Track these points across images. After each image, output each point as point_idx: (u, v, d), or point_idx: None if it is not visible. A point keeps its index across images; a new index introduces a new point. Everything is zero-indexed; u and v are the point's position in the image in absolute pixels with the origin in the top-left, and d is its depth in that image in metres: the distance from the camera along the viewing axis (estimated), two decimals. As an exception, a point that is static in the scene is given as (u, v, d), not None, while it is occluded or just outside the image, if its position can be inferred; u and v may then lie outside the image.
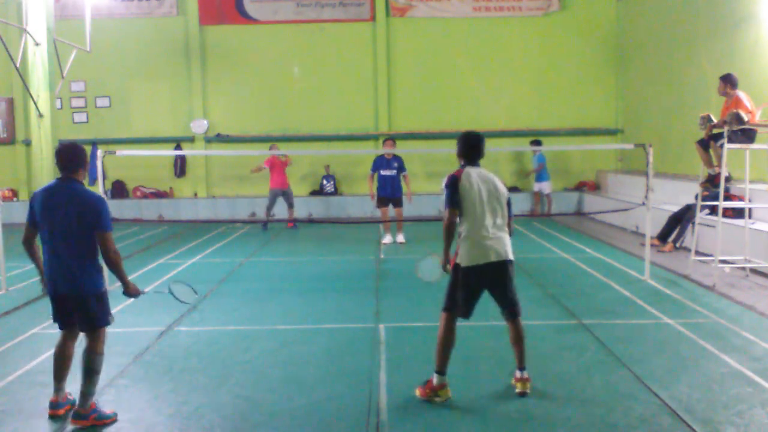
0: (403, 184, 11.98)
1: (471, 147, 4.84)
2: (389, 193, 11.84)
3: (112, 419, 4.36)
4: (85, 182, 4.56)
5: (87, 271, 4.38)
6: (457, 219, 4.70)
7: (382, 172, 11.87)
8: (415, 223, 13.74)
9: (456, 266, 4.72)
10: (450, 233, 4.68)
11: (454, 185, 4.70)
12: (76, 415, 4.33)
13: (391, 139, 12.42)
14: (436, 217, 13.84)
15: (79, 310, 4.41)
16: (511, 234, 4.86)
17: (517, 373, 4.76)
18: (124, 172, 16.98)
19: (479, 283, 4.69)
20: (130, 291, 4.58)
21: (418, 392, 4.68)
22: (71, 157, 4.43)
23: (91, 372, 4.37)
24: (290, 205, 14.08)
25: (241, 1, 16.94)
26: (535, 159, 15.87)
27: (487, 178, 4.80)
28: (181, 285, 5.15)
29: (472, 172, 4.74)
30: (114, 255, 4.40)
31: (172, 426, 4.33)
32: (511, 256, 4.76)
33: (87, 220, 4.33)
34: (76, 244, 4.34)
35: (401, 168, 11.85)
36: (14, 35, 13.28)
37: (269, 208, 13.94)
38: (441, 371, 4.64)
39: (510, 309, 4.79)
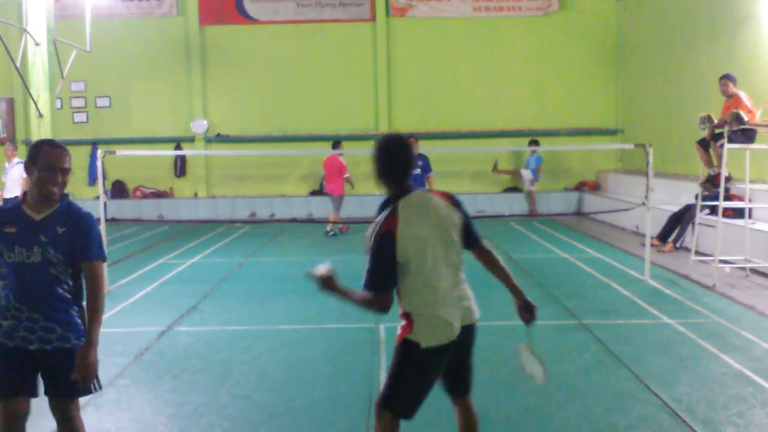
0: None
1: (395, 159, 3.09)
2: None
3: None
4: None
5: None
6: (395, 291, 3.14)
7: None
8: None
9: (408, 345, 3.08)
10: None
11: (387, 245, 3.02)
12: None
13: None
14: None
15: None
16: (495, 257, 3.31)
17: None
18: (124, 172, 17.00)
19: (442, 366, 3.16)
20: None
21: None
22: None
23: None
24: (334, 210, 13.44)
25: (241, 1, 16.95)
26: (534, 160, 15.86)
27: (429, 205, 3.10)
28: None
29: (409, 208, 3.05)
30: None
31: (172, 426, 4.33)
32: (477, 315, 3.24)
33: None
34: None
35: None
36: (14, 35, 13.28)
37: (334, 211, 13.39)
38: None
39: (464, 385, 3.33)
